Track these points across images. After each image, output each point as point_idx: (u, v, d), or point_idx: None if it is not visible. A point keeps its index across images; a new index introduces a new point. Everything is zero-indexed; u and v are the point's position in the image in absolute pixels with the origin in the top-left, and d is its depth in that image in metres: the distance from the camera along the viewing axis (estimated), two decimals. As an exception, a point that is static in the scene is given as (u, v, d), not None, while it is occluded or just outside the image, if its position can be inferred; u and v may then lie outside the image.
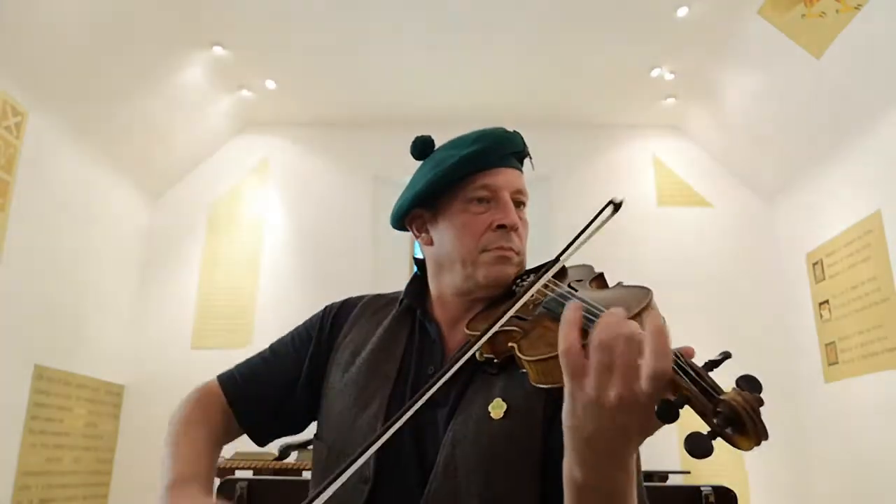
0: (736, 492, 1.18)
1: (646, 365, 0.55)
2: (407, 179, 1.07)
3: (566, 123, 5.23)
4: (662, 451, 4.10)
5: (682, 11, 4.02)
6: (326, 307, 1.12)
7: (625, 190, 5.22)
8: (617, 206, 0.82)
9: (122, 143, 4.52)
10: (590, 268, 0.99)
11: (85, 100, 4.03)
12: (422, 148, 1.07)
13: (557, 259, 0.86)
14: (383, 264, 5.15)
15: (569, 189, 5.13)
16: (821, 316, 4.42)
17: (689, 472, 3.96)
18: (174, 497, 0.85)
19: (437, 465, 0.86)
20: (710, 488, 1.16)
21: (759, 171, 4.97)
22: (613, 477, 0.65)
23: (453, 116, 4.80)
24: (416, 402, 0.72)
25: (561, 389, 0.67)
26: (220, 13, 4.07)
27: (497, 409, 0.88)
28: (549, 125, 5.14)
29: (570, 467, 0.67)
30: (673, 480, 3.72)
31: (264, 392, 1.04)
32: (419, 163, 1.08)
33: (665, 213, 5.10)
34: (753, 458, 4.45)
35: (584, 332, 0.63)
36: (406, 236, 5.51)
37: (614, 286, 0.90)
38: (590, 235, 0.83)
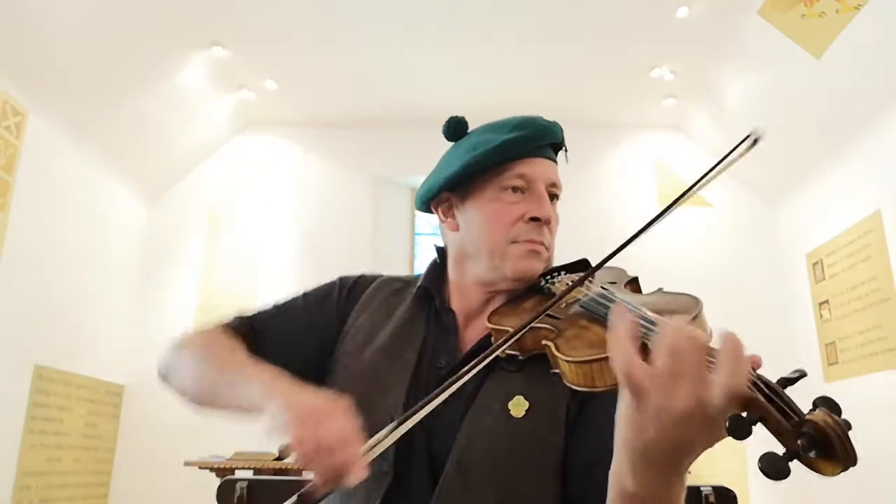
0: (736, 492, 1.17)
1: (720, 380, 0.51)
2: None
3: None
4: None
5: (682, 11, 4.02)
6: (340, 279, 1.05)
7: (625, 190, 5.23)
8: (755, 141, 0.77)
9: (122, 142, 4.52)
10: (622, 270, 0.94)
11: (85, 100, 4.03)
12: (455, 129, 1.04)
13: (622, 246, 0.77)
14: (383, 264, 5.14)
15: (568, 188, 5.11)
16: (821, 316, 4.42)
17: (688, 472, 3.95)
18: (289, 386, 0.72)
19: (449, 460, 0.82)
20: (710, 488, 1.16)
21: (760, 171, 4.96)
22: (668, 488, 0.62)
23: (453, 116, 4.80)
24: (461, 378, 0.67)
25: (595, 393, 0.65)
26: (220, 13, 4.06)
27: (518, 406, 0.83)
28: (549, 125, 5.13)
29: (620, 476, 0.63)
30: (673, 480, 3.71)
31: (274, 345, 0.95)
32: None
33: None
34: (754, 459, 4.44)
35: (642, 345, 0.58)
36: (405, 236, 5.53)
37: (654, 291, 0.84)
38: (717, 173, 0.77)
